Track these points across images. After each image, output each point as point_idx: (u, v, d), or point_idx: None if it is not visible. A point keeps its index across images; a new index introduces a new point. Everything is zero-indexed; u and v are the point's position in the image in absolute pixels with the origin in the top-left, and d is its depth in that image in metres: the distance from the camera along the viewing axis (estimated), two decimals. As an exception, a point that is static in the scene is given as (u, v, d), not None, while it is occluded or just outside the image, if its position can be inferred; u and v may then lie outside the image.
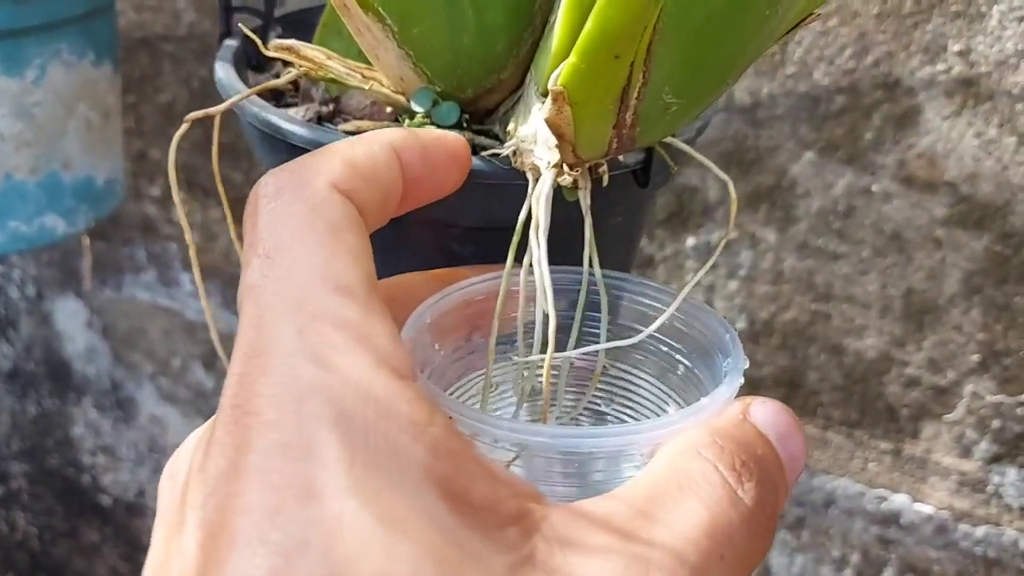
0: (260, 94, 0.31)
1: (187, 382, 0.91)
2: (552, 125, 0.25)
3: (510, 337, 0.27)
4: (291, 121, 0.30)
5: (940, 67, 0.53)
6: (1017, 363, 0.57)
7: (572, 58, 0.23)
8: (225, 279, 0.82)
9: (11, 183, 0.56)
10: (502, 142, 0.28)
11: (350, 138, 0.24)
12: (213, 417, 0.20)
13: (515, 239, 0.26)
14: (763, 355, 0.63)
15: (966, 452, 0.60)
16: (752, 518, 0.21)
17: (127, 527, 1.04)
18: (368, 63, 0.30)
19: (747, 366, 0.24)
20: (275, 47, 0.31)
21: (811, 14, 0.27)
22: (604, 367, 0.29)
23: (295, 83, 0.33)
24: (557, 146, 0.26)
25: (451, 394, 0.27)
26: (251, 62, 0.36)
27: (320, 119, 0.32)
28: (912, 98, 0.54)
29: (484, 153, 0.28)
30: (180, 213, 0.28)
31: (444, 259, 0.30)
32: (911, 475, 0.63)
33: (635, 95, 0.24)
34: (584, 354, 0.28)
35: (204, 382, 0.90)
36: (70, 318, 0.96)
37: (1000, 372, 0.58)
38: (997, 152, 0.54)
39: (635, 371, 0.28)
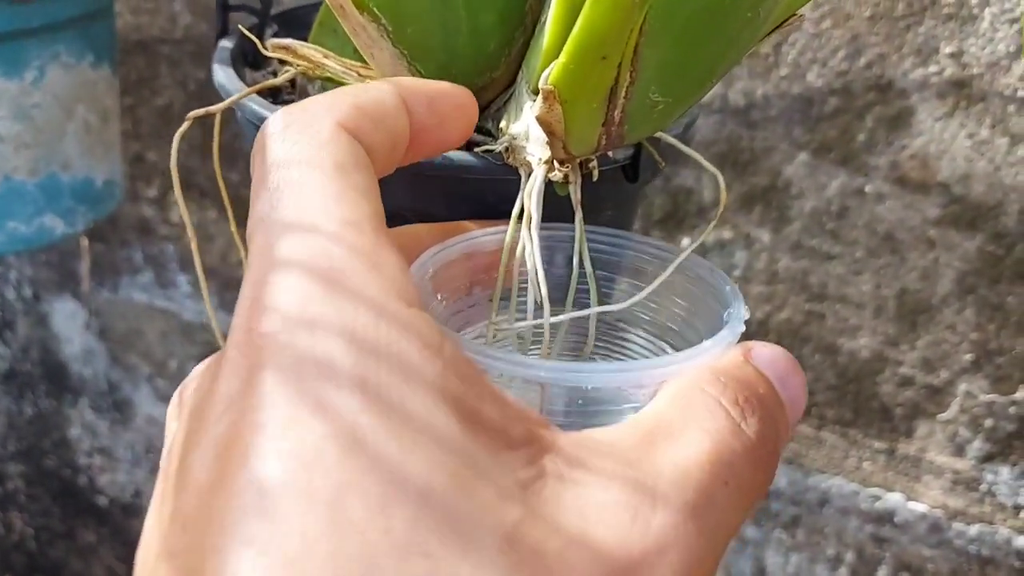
0: (258, 92, 0.31)
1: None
2: (543, 122, 0.25)
3: (509, 293, 0.27)
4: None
5: (932, 69, 0.54)
6: (1010, 362, 0.57)
7: (562, 58, 0.24)
8: (222, 280, 0.82)
9: (10, 184, 0.56)
10: (495, 138, 0.29)
11: (359, 84, 0.24)
12: (220, 351, 0.20)
13: (510, 230, 0.27)
14: (757, 355, 0.63)
15: (959, 451, 0.61)
16: (755, 450, 0.21)
17: (124, 528, 1.04)
18: (364, 62, 0.31)
19: (748, 316, 0.24)
20: (273, 46, 0.31)
21: (793, 15, 0.27)
22: (605, 324, 0.29)
23: (292, 81, 0.34)
24: (548, 143, 0.26)
25: None
26: (248, 59, 0.37)
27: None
28: (905, 100, 0.55)
29: (477, 149, 0.28)
30: (182, 207, 0.28)
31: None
32: (905, 474, 0.63)
33: (623, 94, 0.25)
34: (580, 317, 0.28)
35: (201, 383, 0.90)
36: (67, 319, 0.96)
37: (993, 371, 0.58)
38: (989, 153, 0.54)
39: (633, 329, 0.29)
